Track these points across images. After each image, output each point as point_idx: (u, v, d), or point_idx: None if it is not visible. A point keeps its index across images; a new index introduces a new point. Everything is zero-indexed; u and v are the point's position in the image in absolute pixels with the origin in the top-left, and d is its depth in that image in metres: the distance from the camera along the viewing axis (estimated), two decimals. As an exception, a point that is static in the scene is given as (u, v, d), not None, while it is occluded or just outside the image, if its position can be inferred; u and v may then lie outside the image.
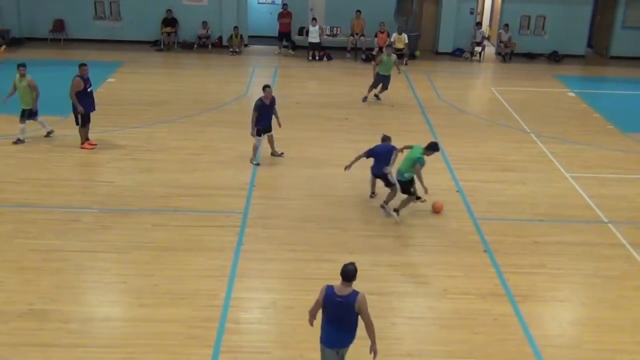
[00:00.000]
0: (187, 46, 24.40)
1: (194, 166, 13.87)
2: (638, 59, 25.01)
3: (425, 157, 11.64)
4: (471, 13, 24.98)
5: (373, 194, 12.73)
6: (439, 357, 8.41)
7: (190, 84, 20.38)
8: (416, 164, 11.49)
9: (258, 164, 14.00)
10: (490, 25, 27.59)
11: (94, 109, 14.60)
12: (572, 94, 20.37)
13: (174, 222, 11.48)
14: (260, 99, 13.80)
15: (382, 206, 12.16)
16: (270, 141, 14.33)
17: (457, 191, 13.06)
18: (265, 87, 13.88)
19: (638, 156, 15.34)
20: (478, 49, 24.56)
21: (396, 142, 15.40)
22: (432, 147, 11.75)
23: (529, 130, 16.72)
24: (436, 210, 12.24)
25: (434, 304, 9.50)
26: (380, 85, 18.65)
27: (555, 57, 24.57)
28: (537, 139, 16.09)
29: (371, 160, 12.34)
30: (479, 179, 13.70)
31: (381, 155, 12.14)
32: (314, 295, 8.87)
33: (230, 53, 23.79)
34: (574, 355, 8.56)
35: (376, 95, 18.89)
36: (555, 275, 10.35)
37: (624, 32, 25.19)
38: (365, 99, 18.77)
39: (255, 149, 14.06)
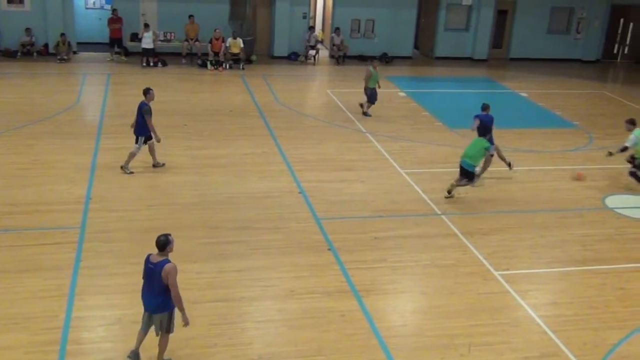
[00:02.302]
0: (9, 54, 22.90)
1: (23, 182, 13.05)
2: (459, 59, 26.72)
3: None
4: (304, 17, 25.48)
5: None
6: (289, 357, 8.49)
7: (15, 94, 19.15)
8: (486, 151, 13.26)
9: (132, 173, 13.68)
10: (323, 29, 28.29)
11: None
12: (402, 94, 21.36)
13: (4, 242, 10.73)
14: (146, 103, 13.48)
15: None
16: (152, 150, 13.98)
17: (300, 192, 13.26)
18: (149, 90, 13.66)
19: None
20: (312, 52, 25.11)
21: (239, 146, 15.52)
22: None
23: (364, 130, 17.33)
24: (579, 178, 14.55)
25: (282, 306, 9.58)
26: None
27: (385, 59, 25.64)
28: (372, 138, 16.72)
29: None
30: (319, 180, 14.00)
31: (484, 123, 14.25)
32: (160, 308, 8.60)
33: (58, 61, 22.63)
34: (416, 342, 8.98)
35: (361, 105, 18.71)
36: (395, 268, 10.80)
37: (446, 34, 26.81)
38: (366, 114, 18.59)
39: (133, 156, 13.68)
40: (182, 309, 7.73)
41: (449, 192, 13.38)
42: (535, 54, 27.51)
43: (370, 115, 18.54)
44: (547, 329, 9.37)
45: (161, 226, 11.46)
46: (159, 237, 7.76)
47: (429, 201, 13.27)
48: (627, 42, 28.92)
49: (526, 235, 12.19)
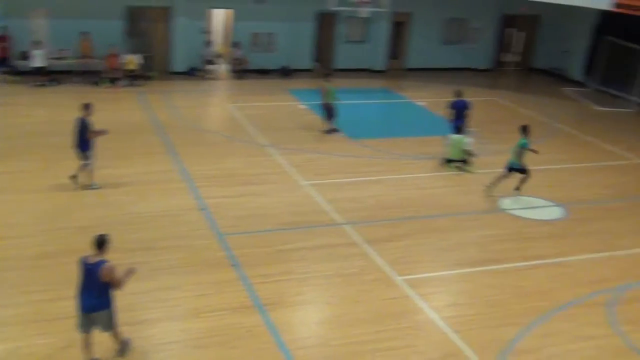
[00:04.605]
0: None
1: None
2: (358, 70, 27.11)
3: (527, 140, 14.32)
4: (202, 32, 25.26)
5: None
6: (195, 378, 8.35)
7: None
8: (522, 149, 14.22)
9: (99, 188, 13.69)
10: (222, 44, 28.11)
11: None
12: (303, 106, 21.49)
13: None
14: (85, 118, 13.35)
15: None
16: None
17: (202, 209, 13.08)
18: (88, 105, 13.50)
19: (366, 160, 16.63)
20: (212, 67, 24.91)
21: (139, 165, 15.16)
22: (526, 130, 14.37)
23: (266, 144, 17.32)
24: None
25: (186, 326, 9.41)
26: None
27: (285, 72, 25.77)
28: (274, 152, 16.72)
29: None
30: (222, 195, 13.87)
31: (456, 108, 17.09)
32: (56, 337, 8.40)
33: (-58, 83, 21.50)
34: (323, 353, 9.01)
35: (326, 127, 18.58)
36: (300, 279, 10.82)
37: (345, 46, 27.20)
38: (330, 131, 18.44)
39: (91, 171, 13.65)
40: (124, 281, 8.18)
41: (518, 188, 14.65)
42: (432, 64, 28.29)
43: (338, 131, 18.58)
44: (449, 330, 9.62)
45: (56, 251, 11.09)
46: (96, 237, 8.09)
47: (331, 212, 13.38)
48: (517, 50, 30.21)
49: (427, 240, 12.49)
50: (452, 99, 17.47)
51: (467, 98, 17.44)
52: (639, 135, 20.60)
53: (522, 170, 14.53)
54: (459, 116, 17.15)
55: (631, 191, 15.81)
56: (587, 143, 19.36)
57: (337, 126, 18.68)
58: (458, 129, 16.97)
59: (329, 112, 18.59)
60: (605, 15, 25.25)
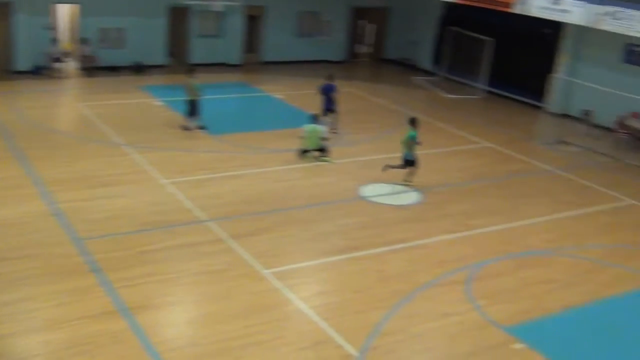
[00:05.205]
0: None
1: None
2: (215, 64, 26.80)
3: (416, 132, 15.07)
4: (46, 28, 23.95)
5: None
6: (57, 392, 7.94)
7: None
8: (412, 141, 14.93)
9: None
10: (70, 40, 26.82)
11: None
12: (158, 103, 20.95)
13: None
14: None
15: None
16: None
17: (54, 215, 12.42)
18: None
19: (226, 155, 16.49)
20: (59, 65, 23.71)
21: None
22: (415, 122, 15.17)
23: (122, 143, 16.72)
24: None
25: (45, 338, 8.91)
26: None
27: (138, 68, 24.99)
28: (131, 151, 16.18)
29: None
30: (78, 199, 13.25)
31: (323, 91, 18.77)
32: None
33: None
34: (193, 352, 8.85)
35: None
36: (165, 280, 10.56)
37: (199, 40, 26.78)
38: (196, 128, 18.11)
39: None
40: None
41: (408, 181, 15.21)
42: (288, 57, 28.50)
43: (205, 128, 18.24)
44: (317, 319, 9.75)
45: None
46: None
47: (194, 209, 13.15)
48: (370, 42, 31.11)
49: (291, 231, 12.58)
50: (322, 83, 19.15)
51: (334, 82, 19.04)
52: (486, 120, 21.88)
53: (412, 163, 15.06)
54: (327, 99, 18.71)
55: (482, 173, 16.76)
56: (439, 129, 20.27)
57: (202, 123, 18.35)
58: (327, 111, 18.50)
59: (192, 108, 18.24)
60: (449, 6, 26.54)
